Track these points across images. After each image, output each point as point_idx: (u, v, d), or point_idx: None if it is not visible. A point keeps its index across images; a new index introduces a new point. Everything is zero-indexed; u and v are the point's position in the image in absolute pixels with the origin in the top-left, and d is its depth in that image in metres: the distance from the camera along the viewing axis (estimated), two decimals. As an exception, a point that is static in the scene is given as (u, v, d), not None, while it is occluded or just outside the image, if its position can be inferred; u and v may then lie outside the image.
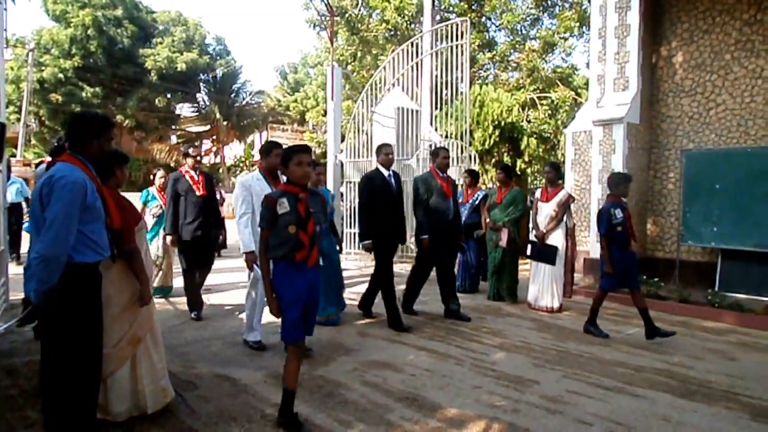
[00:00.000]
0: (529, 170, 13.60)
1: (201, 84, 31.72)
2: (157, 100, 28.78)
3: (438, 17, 15.16)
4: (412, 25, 17.52)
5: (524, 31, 18.51)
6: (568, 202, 6.62)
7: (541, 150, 13.15)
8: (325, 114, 21.27)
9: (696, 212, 7.60)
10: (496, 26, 18.62)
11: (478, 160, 11.39)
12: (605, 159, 8.23)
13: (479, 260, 7.80)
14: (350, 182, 10.76)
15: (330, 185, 10.04)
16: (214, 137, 32.71)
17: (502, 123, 12.30)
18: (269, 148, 4.72)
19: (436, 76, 11.61)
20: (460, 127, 10.40)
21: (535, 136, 13.24)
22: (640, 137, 8.39)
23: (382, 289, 5.70)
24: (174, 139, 33.68)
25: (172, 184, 5.93)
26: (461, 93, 10.87)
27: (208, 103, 31.72)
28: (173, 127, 33.20)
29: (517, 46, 18.27)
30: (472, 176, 7.90)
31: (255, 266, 4.50)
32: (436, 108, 11.67)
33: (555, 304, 6.58)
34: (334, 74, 10.90)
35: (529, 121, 14.89)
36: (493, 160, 12.55)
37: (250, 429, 3.25)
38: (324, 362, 4.50)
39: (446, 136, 10.81)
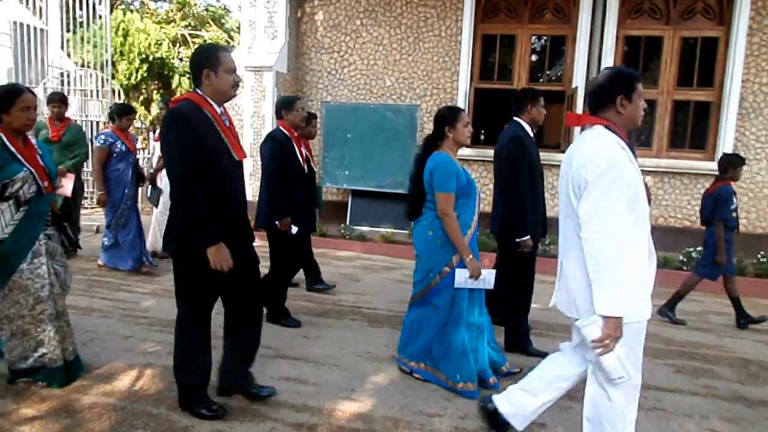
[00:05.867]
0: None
1: None
2: None
3: None
4: None
5: (174, -40, 17.29)
6: None
7: (193, 91, 12.81)
8: None
9: (333, 158, 8.67)
10: (142, -53, 16.85)
11: (123, 96, 10.34)
12: (256, 105, 8.55)
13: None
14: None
15: None
16: None
17: (151, 57, 11.42)
18: (622, 83, 2.19)
19: (67, -8, 9.87)
20: (100, 57, 9.20)
21: (187, 75, 12.75)
22: (288, 86, 8.98)
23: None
24: None
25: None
26: (100, 16, 9.55)
27: None
28: None
29: (165, -26, 17.00)
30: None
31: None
32: (69, 30, 9.99)
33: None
34: None
35: (181, 59, 14.21)
36: (141, 97, 11.60)
37: None
38: None
39: (83, 65, 9.42)
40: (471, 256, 3.09)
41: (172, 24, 15.88)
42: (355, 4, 8.86)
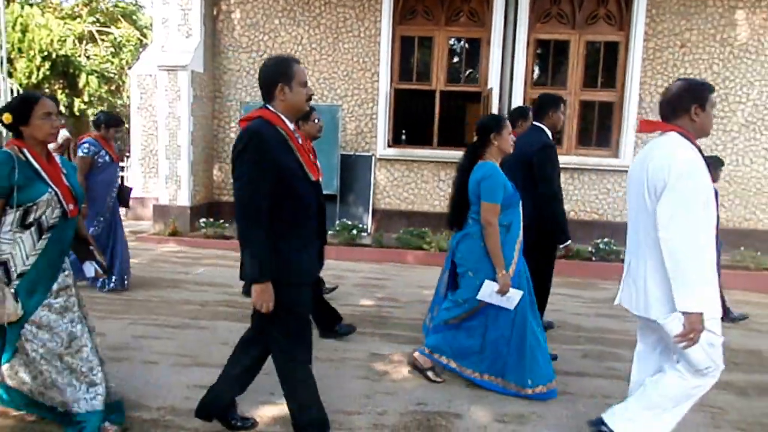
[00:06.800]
0: (90, 111, 12.36)
1: None
2: None
3: None
4: None
5: (79, -48, 16.26)
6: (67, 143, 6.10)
7: (103, 90, 12.12)
8: None
9: (254, 159, 8.50)
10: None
11: (23, 96, 9.65)
12: (171, 105, 8.22)
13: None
14: None
15: None
16: None
17: (54, 55, 10.71)
18: (697, 94, 2.34)
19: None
20: (-5, 53, 8.54)
21: (96, 74, 12.07)
22: (205, 86, 8.71)
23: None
24: None
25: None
26: (-6, 10, 8.86)
27: None
28: None
29: (70, -33, 15.94)
30: None
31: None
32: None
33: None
34: None
35: (88, 57, 13.41)
36: (45, 98, 10.90)
37: None
38: None
39: (-25, 62, 8.71)
40: (504, 272, 3.05)
41: (78, 20, 14.95)
42: (272, 3, 8.73)
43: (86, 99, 11.32)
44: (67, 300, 2.49)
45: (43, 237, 2.43)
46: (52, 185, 2.43)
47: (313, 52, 8.71)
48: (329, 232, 7.92)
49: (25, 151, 2.42)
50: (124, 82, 13.53)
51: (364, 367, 3.58)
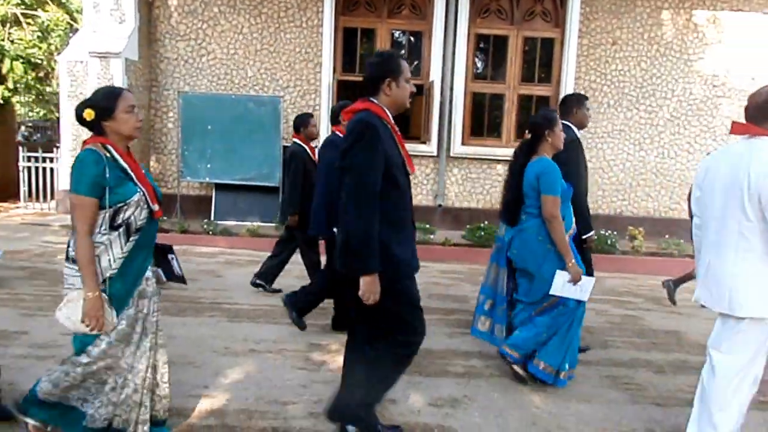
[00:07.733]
0: (16, 99, 11.69)
1: None
2: None
3: None
4: None
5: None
6: None
7: (30, 77, 11.47)
8: None
9: (193, 150, 8.31)
10: None
11: (-61, 82, 9.01)
12: (104, 93, 7.90)
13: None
14: None
15: None
16: None
17: (-26, 38, 10.07)
18: None
19: None
20: None
21: (21, 60, 11.41)
22: (140, 75, 8.41)
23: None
24: None
25: None
26: None
27: None
28: None
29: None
30: None
31: None
32: None
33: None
34: None
35: (12, 42, 12.64)
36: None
37: None
38: None
39: None
40: (574, 261, 3.08)
41: (1, 1, 14.03)
42: (211, -10, 8.51)
43: (11, 86, 10.68)
44: (141, 309, 2.32)
45: (131, 239, 2.26)
46: (140, 185, 2.28)
47: (254, 41, 8.56)
48: (272, 225, 7.85)
49: (110, 148, 2.25)
50: (53, 69, 12.84)
51: (302, 358, 3.59)
